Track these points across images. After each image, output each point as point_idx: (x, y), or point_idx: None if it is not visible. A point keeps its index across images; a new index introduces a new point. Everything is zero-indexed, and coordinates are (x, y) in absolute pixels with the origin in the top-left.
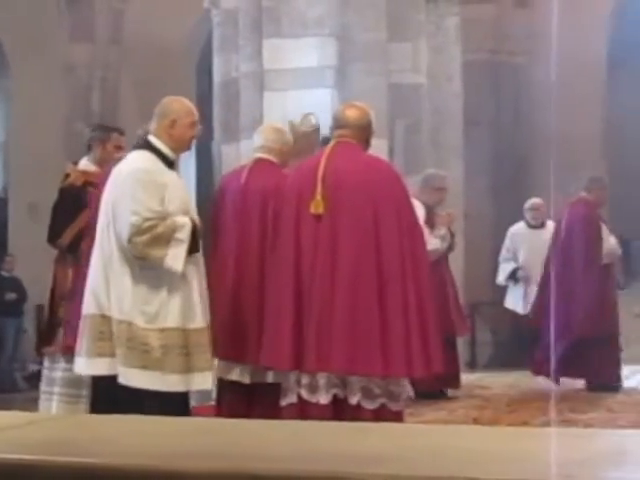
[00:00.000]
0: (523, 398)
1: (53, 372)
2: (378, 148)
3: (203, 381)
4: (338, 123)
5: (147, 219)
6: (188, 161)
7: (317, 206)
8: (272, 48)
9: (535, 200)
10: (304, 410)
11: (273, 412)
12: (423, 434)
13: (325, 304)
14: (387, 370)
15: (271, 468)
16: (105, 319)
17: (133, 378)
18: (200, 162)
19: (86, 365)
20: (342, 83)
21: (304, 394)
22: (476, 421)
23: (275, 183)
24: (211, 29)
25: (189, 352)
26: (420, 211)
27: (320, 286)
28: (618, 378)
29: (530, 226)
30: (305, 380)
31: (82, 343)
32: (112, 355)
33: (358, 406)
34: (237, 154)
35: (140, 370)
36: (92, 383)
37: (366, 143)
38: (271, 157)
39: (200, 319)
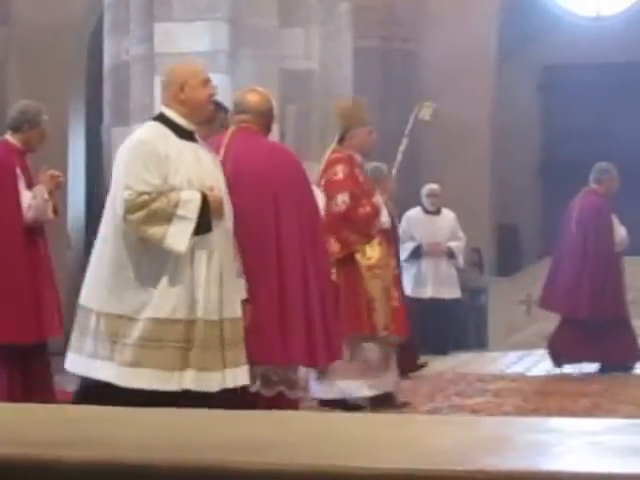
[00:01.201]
0: (411, 384)
1: None
2: (271, 133)
3: (190, 381)
4: (239, 108)
5: (142, 193)
6: (77, 145)
7: None
8: (163, 32)
9: (432, 186)
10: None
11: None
12: (304, 421)
13: None
14: (289, 359)
15: (148, 457)
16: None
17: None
18: (90, 146)
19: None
20: (234, 68)
21: None
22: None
23: None
24: (102, 11)
25: (189, 347)
26: (320, 200)
27: None
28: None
29: (426, 211)
30: None
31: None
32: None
33: (256, 393)
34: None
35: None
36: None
37: (267, 129)
38: None
39: (203, 310)
